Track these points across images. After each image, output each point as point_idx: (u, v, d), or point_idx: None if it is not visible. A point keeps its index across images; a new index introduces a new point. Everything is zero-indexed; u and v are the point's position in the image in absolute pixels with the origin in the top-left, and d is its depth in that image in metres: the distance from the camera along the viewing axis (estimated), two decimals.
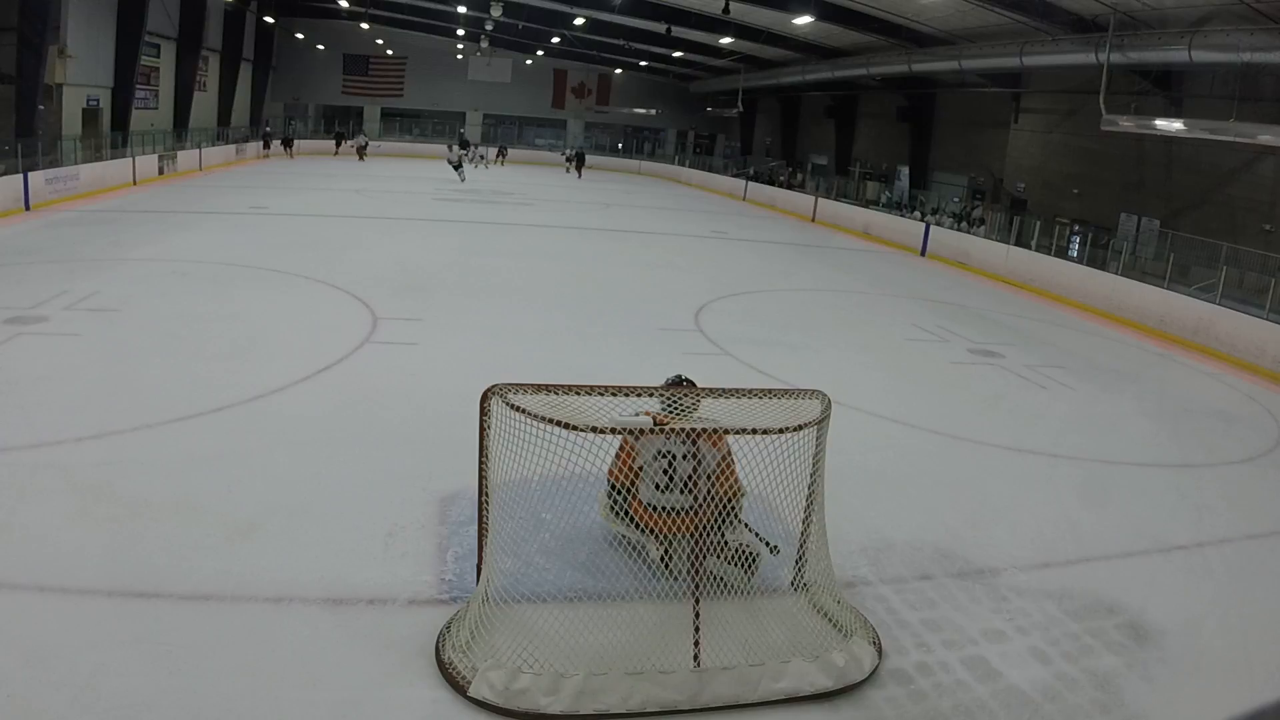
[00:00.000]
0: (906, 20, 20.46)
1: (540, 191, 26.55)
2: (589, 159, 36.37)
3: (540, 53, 39.16)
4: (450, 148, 29.56)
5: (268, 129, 33.79)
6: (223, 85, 32.47)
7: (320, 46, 39.35)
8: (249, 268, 11.66)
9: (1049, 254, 16.57)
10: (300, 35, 38.18)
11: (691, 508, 4.00)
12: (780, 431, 3.79)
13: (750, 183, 30.97)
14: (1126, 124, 16.43)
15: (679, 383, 4.57)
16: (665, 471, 4.30)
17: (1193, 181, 17.37)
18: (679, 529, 4.19)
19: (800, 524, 4.11)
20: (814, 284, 14.58)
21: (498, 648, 3.59)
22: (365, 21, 36.92)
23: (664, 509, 4.30)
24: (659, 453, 4.29)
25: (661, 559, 4.26)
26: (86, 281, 10.03)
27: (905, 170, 28.75)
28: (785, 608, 4.02)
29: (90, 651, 3.50)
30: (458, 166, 27.23)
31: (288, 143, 33.29)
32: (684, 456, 4.22)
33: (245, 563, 4.27)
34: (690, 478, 4.09)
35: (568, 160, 35.67)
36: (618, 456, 4.38)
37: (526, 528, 4.21)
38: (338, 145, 35.27)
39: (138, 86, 25.02)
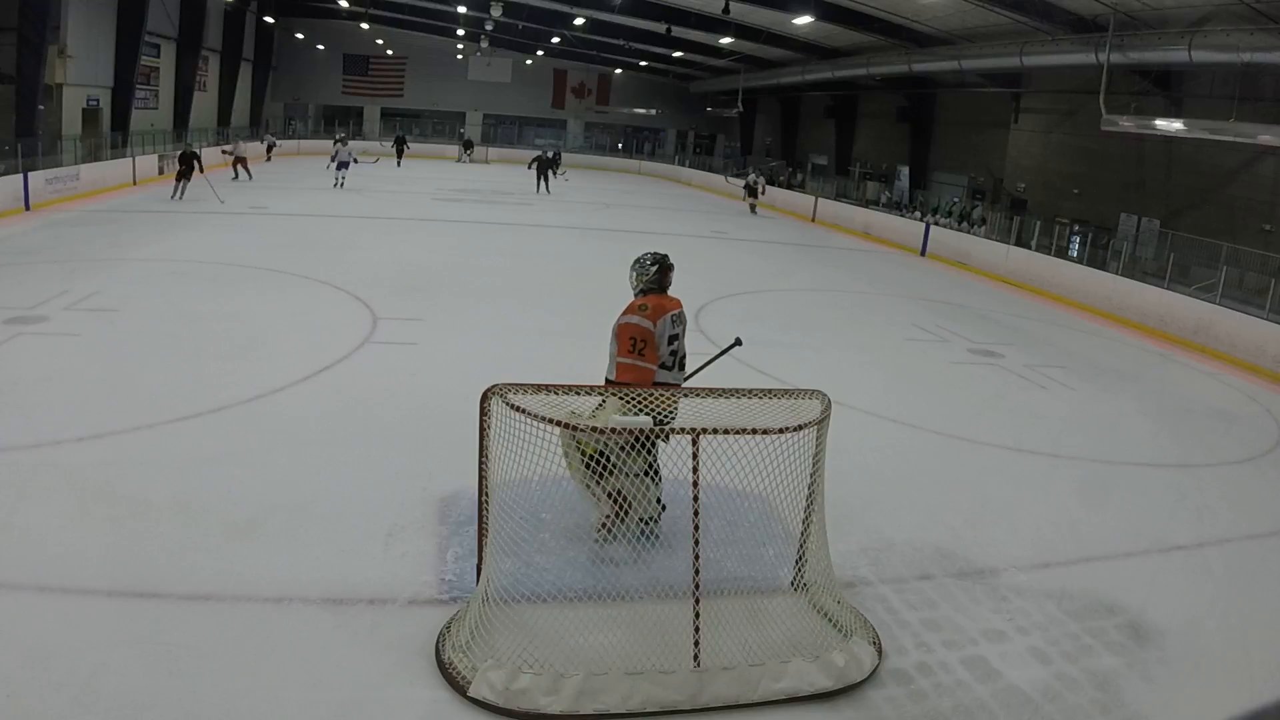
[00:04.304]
0: (906, 20, 20.46)
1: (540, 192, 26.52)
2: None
3: (540, 53, 39.17)
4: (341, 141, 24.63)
5: (270, 134, 31.40)
6: (223, 85, 32.48)
7: (320, 46, 39.37)
8: (249, 268, 11.66)
9: (1049, 254, 16.58)
10: (300, 35, 38.21)
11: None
12: (780, 431, 3.79)
13: None
14: (1126, 124, 16.43)
15: (665, 265, 4.74)
16: (674, 354, 4.62)
17: (1193, 181, 17.37)
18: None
19: (800, 524, 4.11)
20: (814, 284, 14.58)
21: (498, 648, 3.59)
22: (365, 21, 36.93)
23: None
24: (669, 338, 4.56)
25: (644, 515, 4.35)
26: (86, 281, 10.03)
27: (905, 170, 28.75)
28: (785, 608, 4.02)
29: (90, 651, 3.50)
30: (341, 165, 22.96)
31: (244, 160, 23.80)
32: (683, 333, 4.68)
33: (245, 563, 4.27)
34: (684, 354, 4.71)
35: (748, 190, 25.88)
36: (641, 356, 4.42)
37: (526, 528, 4.20)
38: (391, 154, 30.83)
39: (138, 86, 25.02)
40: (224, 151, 23.99)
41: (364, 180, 25.08)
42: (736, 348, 5.11)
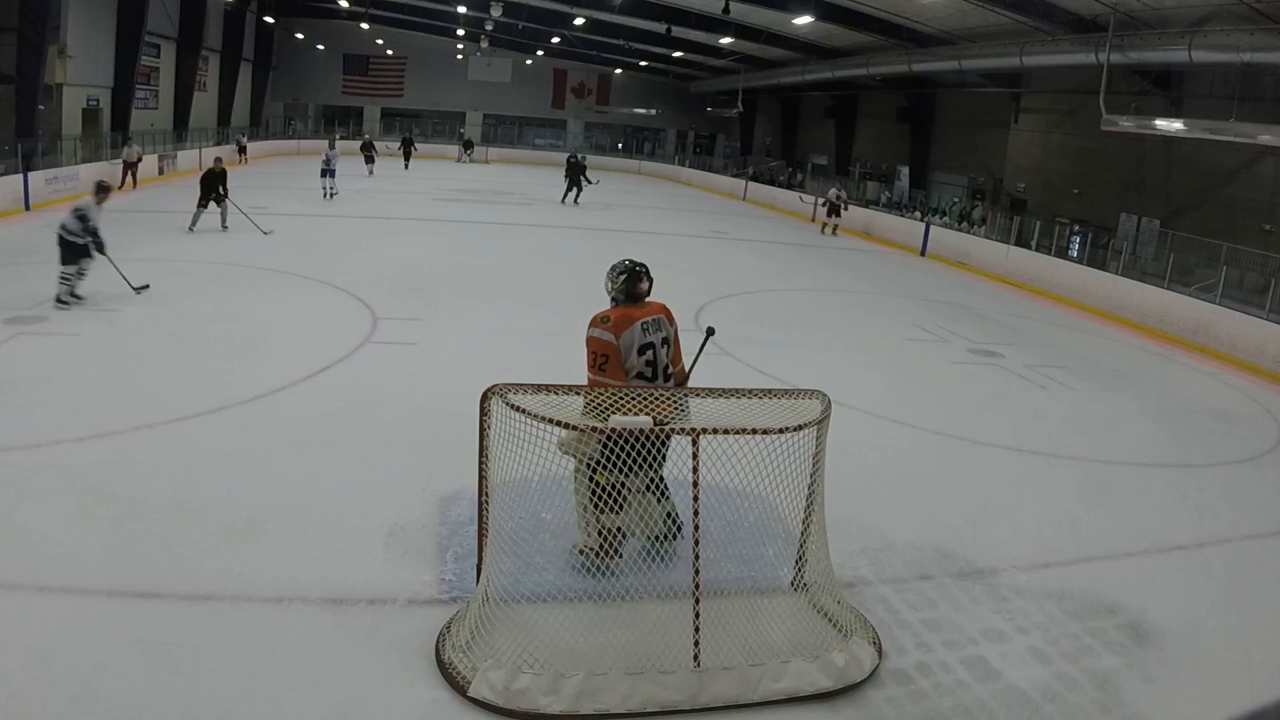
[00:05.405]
0: (906, 20, 20.46)
1: (540, 191, 26.50)
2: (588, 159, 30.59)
3: (540, 53, 39.19)
4: (331, 144, 21.27)
5: (242, 138, 28.67)
6: (223, 85, 32.49)
7: (320, 46, 39.38)
8: (249, 268, 11.66)
9: (1049, 254, 16.57)
10: (300, 35, 38.22)
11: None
12: (780, 431, 3.79)
13: (750, 183, 30.98)
14: (1126, 124, 16.44)
15: (634, 272, 4.50)
16: (650, 363, 4.40)
17: (1193, 181, 17.37)
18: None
19: (800, 524, 4.11)
20: (814, 284, 14.58)
21: (498, 648, 3.59)
22: (365, 21, 36.95)
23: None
24: (640, 348, 4.36)
25: (646, 531, 4.32)
26: (86, 282, 10.00)
27: (905, 170, 28.75)
28: (785, 608, 4.02)
29: (90, 651, 3.50)
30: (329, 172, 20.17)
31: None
32: (661, 343, 4.45)
33: (245, 563, 4.27)
34: (666, 362, 4.48)
35: (830, 208, 21.78)
36: (603, 374, 4.26)
37: (526, 528, 4.20)
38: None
39: (138, 86, 25.02)
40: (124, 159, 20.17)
41: (363, 181, 25.03)
42: (712, 338, 4.92)
